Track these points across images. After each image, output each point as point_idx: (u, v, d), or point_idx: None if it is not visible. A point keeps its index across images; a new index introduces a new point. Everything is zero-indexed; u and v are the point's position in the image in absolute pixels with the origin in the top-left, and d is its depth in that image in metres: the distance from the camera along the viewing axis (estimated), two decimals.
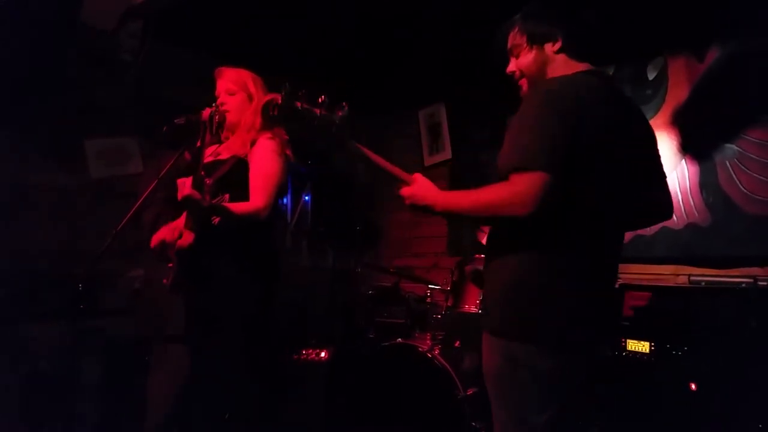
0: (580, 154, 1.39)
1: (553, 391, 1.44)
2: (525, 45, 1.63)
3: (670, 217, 1.71)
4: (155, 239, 2.21)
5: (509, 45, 1.68)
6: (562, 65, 1.59)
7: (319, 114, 1.56)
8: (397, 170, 1.66)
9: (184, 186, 2.01)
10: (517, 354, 1.44)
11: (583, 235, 1.46)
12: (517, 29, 1.65)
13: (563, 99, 1.41)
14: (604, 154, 1.45)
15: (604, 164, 1.45)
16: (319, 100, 1.57)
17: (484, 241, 3.63)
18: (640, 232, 3.03)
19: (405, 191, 1.60)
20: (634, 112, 1.63)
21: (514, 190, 1.36)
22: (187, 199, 1.98)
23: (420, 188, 1.58)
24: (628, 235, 2.11)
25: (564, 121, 1.38)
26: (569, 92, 1.43)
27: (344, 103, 1.60)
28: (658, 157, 1.67)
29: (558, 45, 1.59)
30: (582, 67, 1.57)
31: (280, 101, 1.53)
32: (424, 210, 1.56)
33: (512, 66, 1.68)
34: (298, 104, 1.54)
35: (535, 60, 1.61)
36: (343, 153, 1.65)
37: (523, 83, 1.66)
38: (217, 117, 2.22)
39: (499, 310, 1.50)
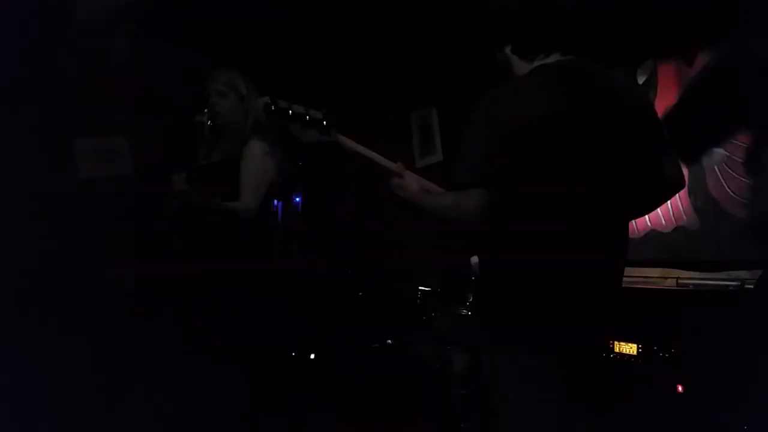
0: (529, 152, 1.41)
1: (550, 387, 1.42)
2: (497, 51, 1.65)
3: (683, 186, 1.66)
4: None
5: None
6: (518, 65, 1.60)
7: (306, 110, 1.61)
8: (385, 162, 1.70)
9: (178, 182, 2.02)
10: (507, 353, 1.43)
11: (558, 228, 1.43)
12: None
13: (497, 109, 1.45)
14: (568, 143, 1.44)
15: (568, 154, 1.44)
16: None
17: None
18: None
19: (397, 182, 1.67)
20: (609, 94, 1.54)
21: (457, 203, 1.45)
22: (180, 194, 1.99)
23: (410, 181, 1.68)
24: None
25: (497, 132, 1.42)
26: (504, 100, 1.47)
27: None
28: (657, 130, 1.60)
29: (509, 47, 1.60)
30: (538, 62, 1.56)
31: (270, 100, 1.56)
32: (407, 201, 1.67)
33: None
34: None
35: (504, 63, 1.64)
36: (336, 148, 1.68)
37: None
38: (208, 120, 2.22)
39: (485, 314, 1.51)
